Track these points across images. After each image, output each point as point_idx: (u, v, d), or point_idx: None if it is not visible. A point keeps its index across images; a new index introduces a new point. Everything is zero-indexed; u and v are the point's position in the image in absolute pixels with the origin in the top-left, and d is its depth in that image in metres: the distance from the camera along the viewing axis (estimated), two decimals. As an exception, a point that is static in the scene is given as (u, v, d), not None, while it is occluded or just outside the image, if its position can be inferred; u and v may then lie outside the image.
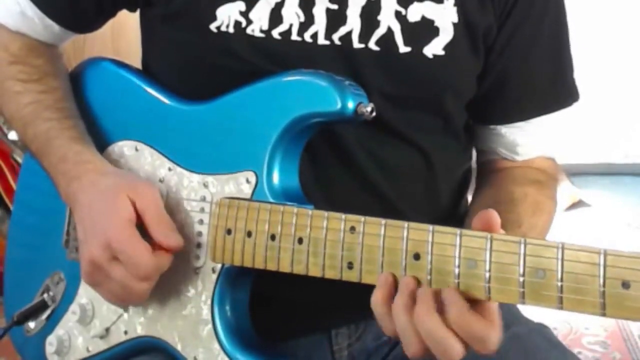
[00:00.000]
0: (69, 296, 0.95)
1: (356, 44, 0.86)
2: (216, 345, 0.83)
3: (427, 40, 0.87)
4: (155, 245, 0.81)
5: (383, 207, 0.91)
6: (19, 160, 2.25)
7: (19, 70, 0.97)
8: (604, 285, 0.59)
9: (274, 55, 0.86)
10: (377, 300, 0.70)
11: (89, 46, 2.08)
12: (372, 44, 0.86)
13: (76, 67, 1.03)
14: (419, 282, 0.69)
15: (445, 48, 0.87)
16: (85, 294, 0.93)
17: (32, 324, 1.00)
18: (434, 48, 0.87)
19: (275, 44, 0.86)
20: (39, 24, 0.97)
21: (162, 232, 0.82)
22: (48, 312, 0.98)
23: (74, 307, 0.94)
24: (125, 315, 0.90)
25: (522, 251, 0.63)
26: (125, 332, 0.90)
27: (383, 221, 0.71)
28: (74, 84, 1.00)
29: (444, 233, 0.68)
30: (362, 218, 0.73)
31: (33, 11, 0.96)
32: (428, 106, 0.90)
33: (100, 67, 1.00)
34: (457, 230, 0.67)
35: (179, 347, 0.85)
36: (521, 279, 0.63)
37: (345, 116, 0.78)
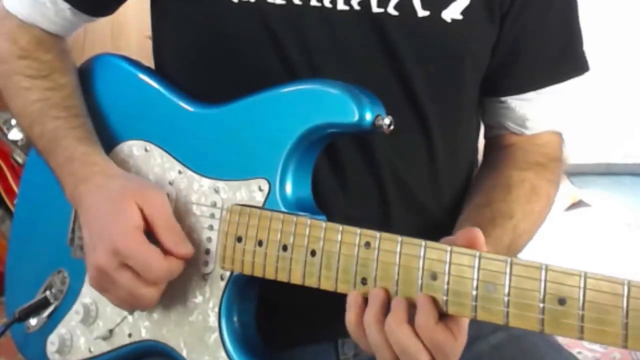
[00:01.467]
0: (72, 295, 0.94)
1: (375, 9, 0.85)
2: (222, 354, 0.82)
3: (445, 5, 0.86)
4: (164, 252, 0.80)
5: (398, 190, 0.90)
6: (19, 160, 2.24)
7: (27, 66, 0.95)
8: (626, 317, 0.58)
9: (294, 22, 0.85)
10: (350, 321, 0.72)
11: (89, 45, 2.07)
12: (390, 9, 0.85)
13: (85, 62, 1.01)
14: (389, 294, 0.70)
15: (464, 12, 0.86)
16: (89, 293, 0.92)
17: (33, 321, 0.99)
18: (452, 12, 0.86)
19: (296, 10, 0.85)
20: (50, 9, 0.95)
21: (172, 239, 0.81)
22: (50, 309, 0.97)
23: (77, 306, 0.92)
24: (130, 317, 0.88)
25: (542, 277, 0.62)
26: (130, 335, 0.89)
27: (399, 238, 0.70)
28: (82, 80, 0.98)
29: (462, 254, 0.66)
30: (378, 234, 0.71)
31: None
32: (447, 74, 0.90)
33: (110, 63, 0.98)
34: (476, 252, 0.66)
35: (184, 354, 0.84)
36: (541, 305, 0.62)
37: (362, 128, 0.77)
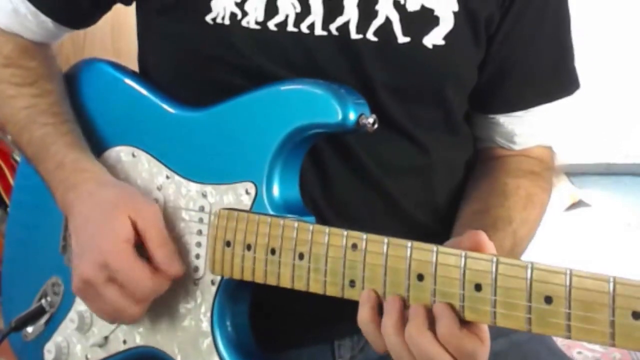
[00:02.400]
0: (67, 302, 0.94)
1: (354, 35, 0.84)
2: (216, 358, 0.81)
3: (427, 30, 0.84)
4: (153, 266, 0.80)
5: (384, 203, 0.89)
6: (19, 160, 2.23)
7: (11, 74, 0.95)
8: (613, 315, 0.57)
9: (270, 47, 0.84)
10: (363, 318, 0.70)
11: (89, 46, 2.06)
12: (370, 35, 0.84)
13: (71, 68, 1.01)
14: (404, 300, 0.68)
15: (446, 38, 0.85)
16: (83, 300, 0.91)
17: (30, 329, 0.99)
18: (434, 38, 0.85)
19: (271, 35, 0.84)
20: (32, 21, 0.95)
21: (165, 257, 0.80)
22: (46, 317, 0.97)
23: (72, 314, 0.92)
24: (124, 324, 0.88)
25: (528, 276, 0.62)
26: (124, 342, 0.88)
27: (385, 239, 0.69)
28: (69, 85, 0.98)
29: (448, 254, 0.66)
30: (364, 235, 0.71)
31: (26, 8, 0.94)
32: (428, 98, 0.89)
33: (96, 68, 0.98)
34: (462, 252, 0.65)
35: (178, 359, 0.84)
36: (528, 304, 0.62)
37: (346, 127, 0.76)
